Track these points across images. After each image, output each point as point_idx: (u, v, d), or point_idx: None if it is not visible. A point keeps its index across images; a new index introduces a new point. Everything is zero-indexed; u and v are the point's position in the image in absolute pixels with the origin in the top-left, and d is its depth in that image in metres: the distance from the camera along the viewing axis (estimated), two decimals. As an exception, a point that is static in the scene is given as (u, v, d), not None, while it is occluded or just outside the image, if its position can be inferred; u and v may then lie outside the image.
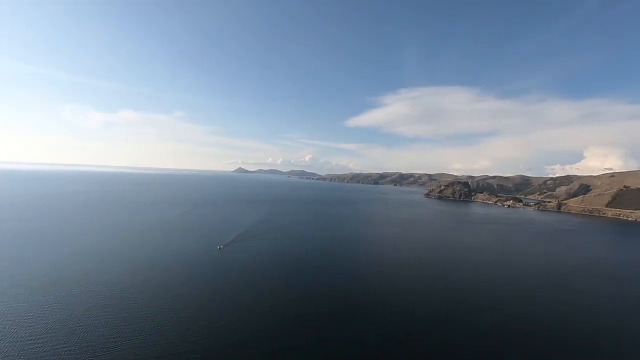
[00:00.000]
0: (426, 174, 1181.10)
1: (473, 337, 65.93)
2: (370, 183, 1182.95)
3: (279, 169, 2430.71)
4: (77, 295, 77.90)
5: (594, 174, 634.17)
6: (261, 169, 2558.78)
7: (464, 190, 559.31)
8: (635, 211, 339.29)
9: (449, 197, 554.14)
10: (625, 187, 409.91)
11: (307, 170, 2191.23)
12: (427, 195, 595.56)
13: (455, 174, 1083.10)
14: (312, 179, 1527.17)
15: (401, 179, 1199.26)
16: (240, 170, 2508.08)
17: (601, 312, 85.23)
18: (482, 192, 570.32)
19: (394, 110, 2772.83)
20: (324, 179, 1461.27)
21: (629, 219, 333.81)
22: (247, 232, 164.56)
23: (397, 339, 63.64)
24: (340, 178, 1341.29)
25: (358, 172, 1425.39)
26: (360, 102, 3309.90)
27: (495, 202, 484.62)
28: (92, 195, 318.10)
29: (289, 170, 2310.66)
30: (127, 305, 72.82)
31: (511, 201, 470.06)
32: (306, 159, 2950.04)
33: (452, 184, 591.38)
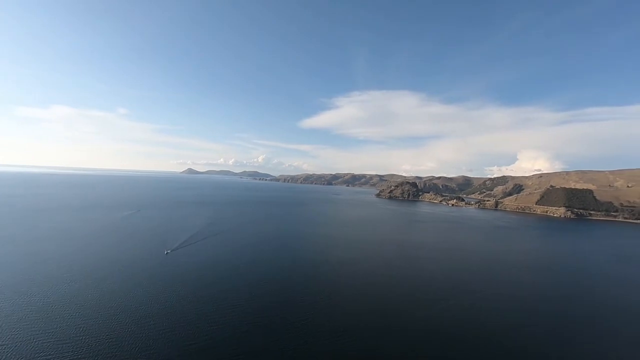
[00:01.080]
0: (377, 175, 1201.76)
1: (422, 329, 67.92)
2: (323, 184, 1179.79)
3: (230, 170, 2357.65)
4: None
5: (526, 175, 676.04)
6: (212, 170, 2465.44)
7: (412, 190, 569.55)
8: (560, 208, 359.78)
9: (399, 197, 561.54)
10: (551, 186, 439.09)
11: (260, 171, 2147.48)
12: (378, 195, 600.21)
13: (405, 174, 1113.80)
14: (265, 180, 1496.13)
15: (353, 180, 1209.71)
16: (190, 171, 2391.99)
17: (527, 299, 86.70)
18: (428, 192, 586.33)
19: (346, 112, 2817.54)
20: (277, 179, 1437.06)
21: (555, 215, 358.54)
22: (196, 235, 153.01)
23: (349, 342, 61.42)
24: (294, 179, 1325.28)
25: (311, 173, 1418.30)
26: (314, 103, 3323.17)
27: (441, 201, 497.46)
28: (15, 199, 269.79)
29: (242, 171, 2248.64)
30: (58, 318, 64.86)
31: (454, 200, 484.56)
32: (259, 160, 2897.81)
33: (401, 184, 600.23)
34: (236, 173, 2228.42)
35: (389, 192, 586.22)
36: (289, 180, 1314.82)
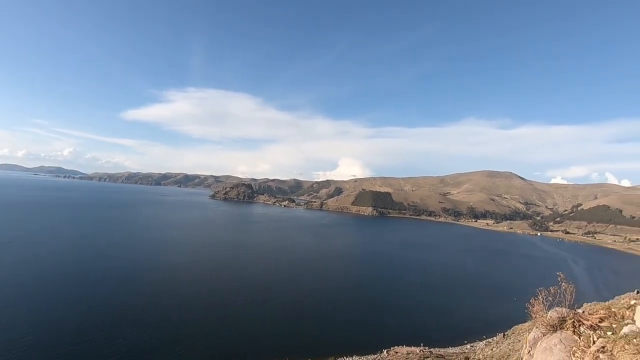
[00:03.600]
0: (212, 176, 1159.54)
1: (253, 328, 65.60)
2: (150, 184, 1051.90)
3: (20, 164, 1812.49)
4: None
5: (345, 179, 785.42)
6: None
7: (247, 192, 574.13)
8: (368, 208, 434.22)
9: (234, 198, 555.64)
10: (363, 189, 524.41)
11: (65, 167, 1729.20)
12: (213, 196, 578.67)
13: (241, 176, 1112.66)
14: (73, 177, 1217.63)
15: (186, 180, 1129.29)
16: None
17: (342, 284, 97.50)
18: (263, 194, 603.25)
19: (180, 107, 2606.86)
20: (90, 178, 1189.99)
21: (365, 213, 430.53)
22: None
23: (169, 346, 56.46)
24: (113, 177, 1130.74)
25: (136, 171, 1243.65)
26: (141, 93, 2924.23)
27: (274, 202, 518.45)
28: None
29: (38, 166, 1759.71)
30: None
31: (286, 202, 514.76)
32: (64, 153, 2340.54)
33: (237, 185, 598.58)
34: (29, 168, 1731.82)
35: (225, 194, 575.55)
36: (106, 179, 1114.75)
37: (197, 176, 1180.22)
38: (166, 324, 65.66)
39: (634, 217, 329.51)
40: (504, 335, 58.90)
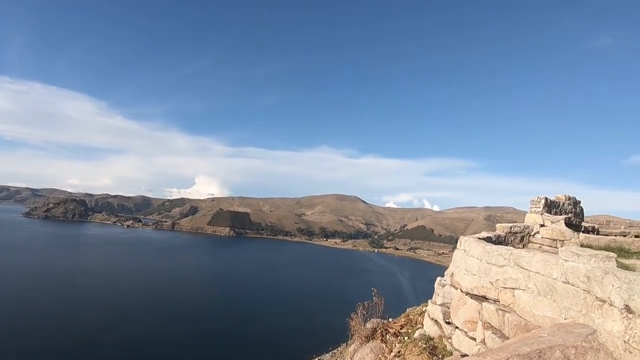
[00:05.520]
0: (29, 188, 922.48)
1: None
2: None
3: None
4: None
5: (201, 198, 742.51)
6: None
7: (79, 209, 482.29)
8: (225, 228, 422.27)
9: (60, 217, 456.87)
10: (220, 209, 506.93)
11: None
12: (28, 214, 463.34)
13: (71, 190, 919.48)
14: None
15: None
16: None
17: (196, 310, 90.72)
18: (101, 212, 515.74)
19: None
20: None
21: (221, 234, 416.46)
22: None
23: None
24: None
25: None
26: None
27: (115, 222, 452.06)
28: None
29: None
30: None
31: (131, 221, 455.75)
32: None
33: (65, 201, 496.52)
34: None
35: (46, 211, 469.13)
36: None
37: (6, 188, 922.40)
38: None
39: (441, 235, 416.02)
40: (347, 344, 64.19)
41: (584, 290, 5.66)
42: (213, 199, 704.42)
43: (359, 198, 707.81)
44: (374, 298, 12.57)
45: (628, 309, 4.88)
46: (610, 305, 5.13)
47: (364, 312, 12.34)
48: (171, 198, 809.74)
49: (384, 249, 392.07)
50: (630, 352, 4.76)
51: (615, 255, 5.94)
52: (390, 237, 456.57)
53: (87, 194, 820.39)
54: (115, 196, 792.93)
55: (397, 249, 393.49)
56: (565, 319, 5.91)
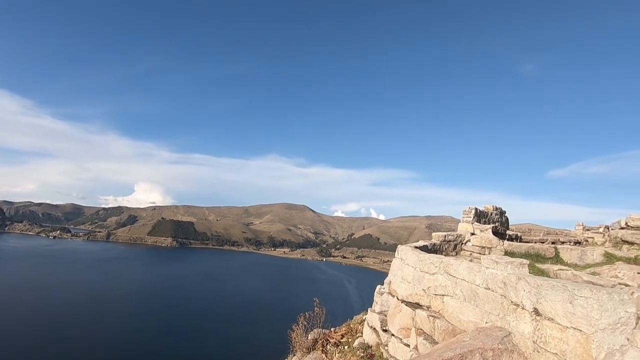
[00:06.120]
0: None
1: None
2: None
3: None
4: None
5: (142, 207, 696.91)
6: None
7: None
8: (167, 238, 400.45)
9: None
10: (162, 218, 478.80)
11: None
12: None
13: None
14: None
15: None
16: None
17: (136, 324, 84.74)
18: (22, 222, 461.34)
19: None
20: None
21: (163, 245, 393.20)
22: None
23: None
24: None
25: None
26: None
27: (39, 232, 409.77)
28: None
29: None
30: None
31: (58, 232, 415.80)
32: None
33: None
34: None
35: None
36: None
37: None
38: None
39: (387, 243, 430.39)
40: (288, 357, 63.35)
41: (501, 295, 6.12)
42: (154, 208, 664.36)
43: (307, 207, 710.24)
44: (316, 308, 12.55)
45: (537, 311, 5.34)
46: (522, 308, 5.59)
47: (305, 323, 12.25)
48: (107, 206, 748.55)
49: (332, 258, 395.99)
50: (538, 352, 5.21)
51: (528, 262, 6.51)
52: (338, 246, 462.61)
53: (5, 201, 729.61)
54: (40, 204, 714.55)
55: (344, 257, 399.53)
56: (486, 322, 6.33)
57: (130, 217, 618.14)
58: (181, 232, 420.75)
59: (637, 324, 4.77)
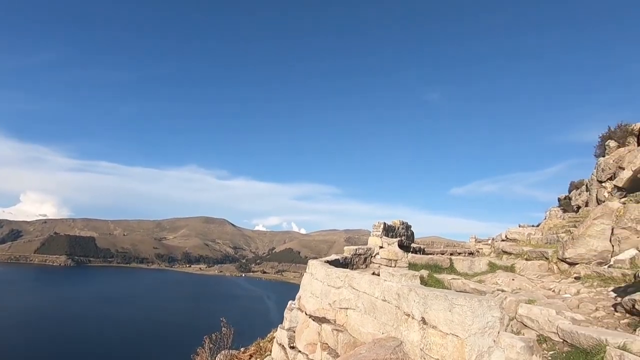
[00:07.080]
0: None
1: None
2: None
3: None
4: None
5: (28, 220, 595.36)
6: None
7: None
8: (61, 256, 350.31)
9: None
10: (55, 233, 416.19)
11: None
12: None
13: None
14: None
15: None
16: None
17: None
18: None
19: None
20: None
21: (54, 264, 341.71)
22: None
23: None
24: None
25: None
26: None
27: None
28: None
29: None
30: None
31: None
32: None
33: None
34: None
35: None
36: None
37: None
38: None
39: (307, 257, 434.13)
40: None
41: (395, 306, 6.51)
42: (45, 221, 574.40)
43: (227, 221, 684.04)
44: (223, 328, 11.93)
45: (424, 320, 5.78)
46: (412, 318, 6.01)
47: (212, 345, 11.54)
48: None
49: (252, 273, 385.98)
50: (424, 358, 5.62)
51: (419, 274, 7.06)
52: (258, 261, 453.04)
53: None
54: None
55: (265, 272, 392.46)
56: (382, 333, 6.66)
57: (12, 231, 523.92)
58: (79, 249, 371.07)
59: (502, 326, 5.48)
